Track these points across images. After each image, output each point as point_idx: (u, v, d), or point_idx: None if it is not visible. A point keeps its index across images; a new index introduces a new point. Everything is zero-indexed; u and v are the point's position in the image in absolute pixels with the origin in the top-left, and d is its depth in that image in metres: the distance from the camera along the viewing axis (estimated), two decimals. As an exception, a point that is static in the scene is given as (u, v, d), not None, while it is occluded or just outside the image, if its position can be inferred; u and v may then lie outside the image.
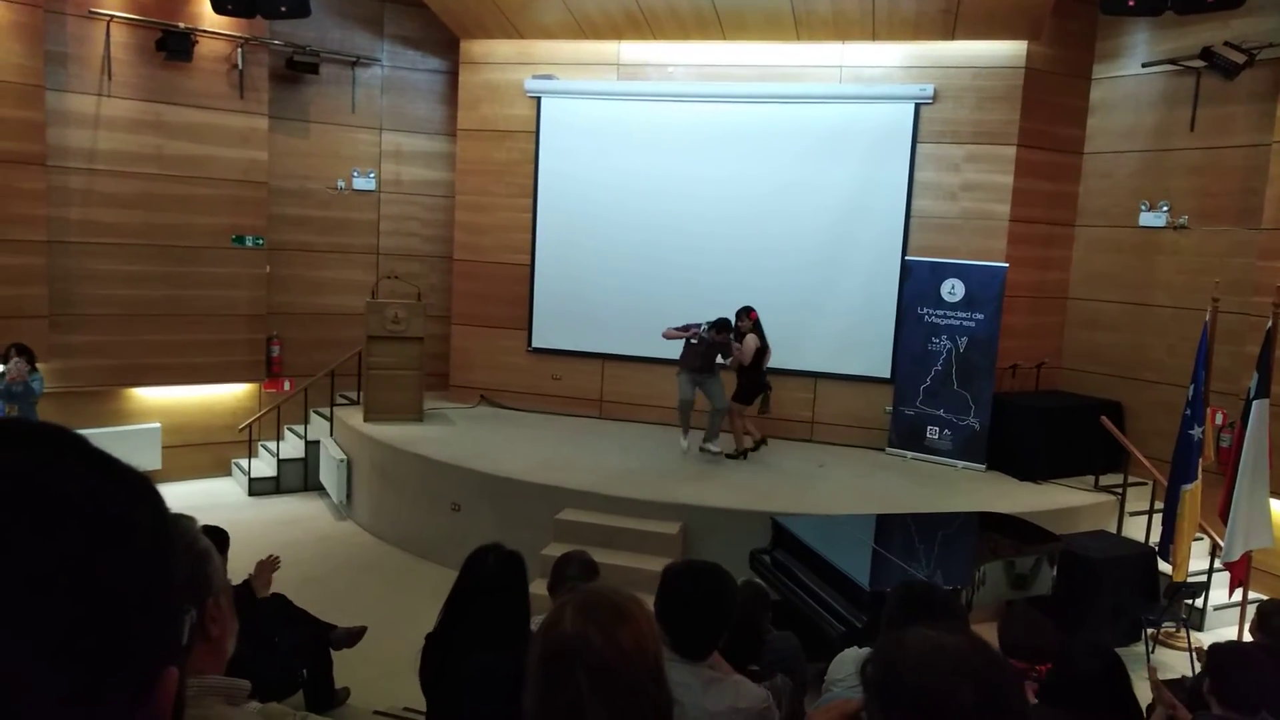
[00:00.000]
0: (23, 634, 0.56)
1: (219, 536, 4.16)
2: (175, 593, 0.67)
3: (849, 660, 2.65)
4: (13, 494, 0.59)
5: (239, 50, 9.28)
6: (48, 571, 0.58)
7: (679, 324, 8.06)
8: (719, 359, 8.11)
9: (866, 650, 2.52)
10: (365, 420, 8.90)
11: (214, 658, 1.30)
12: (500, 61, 9.83)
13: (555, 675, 1.33)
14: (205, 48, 9.16)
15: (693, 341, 8.00)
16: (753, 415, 8.47)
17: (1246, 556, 6.25)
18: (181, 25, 8.95)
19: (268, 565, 4.72)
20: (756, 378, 8.24)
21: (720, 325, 7.94)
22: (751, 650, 3.66)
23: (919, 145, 8.84)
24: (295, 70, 9.67)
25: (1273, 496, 6.32)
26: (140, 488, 0.66)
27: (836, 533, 5.96)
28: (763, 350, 8.20)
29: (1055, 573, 5.66)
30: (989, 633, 3.70)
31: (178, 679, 0.66)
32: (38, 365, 7.70)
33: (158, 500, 0.67)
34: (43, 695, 0.57)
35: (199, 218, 9.31)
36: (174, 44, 8.87)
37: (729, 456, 8.29)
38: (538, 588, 3.96)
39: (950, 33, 8.47)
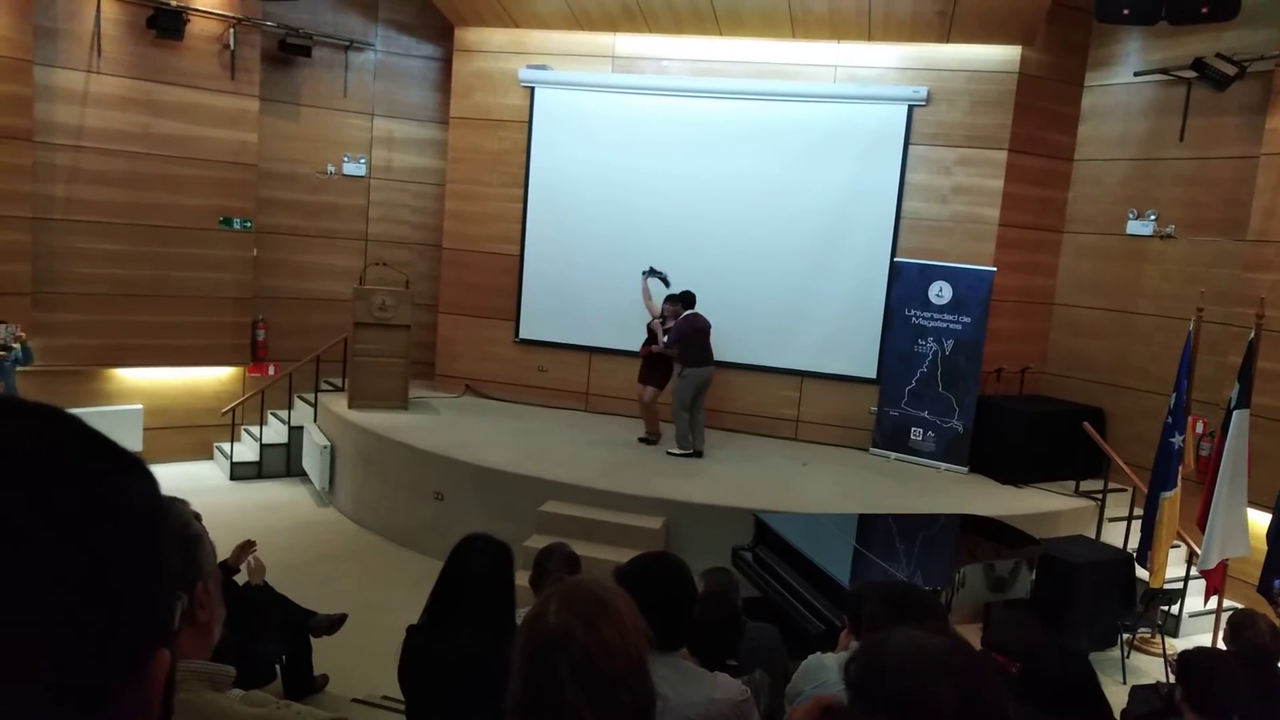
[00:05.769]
0: (13, 611, 0.56)
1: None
2: (167, 575, 0.67)
3: (813, 670, 2.56)
4: (4, 471, 0.59)
5: (231, 31, 9.20)
6: (40, 549, 0.57)
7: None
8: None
9: (832, 655, 2.50)
10: (350, 407, 8.87)
11: (201, 643, 1.30)
12: (494, 50, 9.79)
13: (538, 667, 1.33)
14: (197, 27, 9.07)
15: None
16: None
17: (1222, 565, 6.31)
18: (173, 3, 8.85)
19: (243, 549, 4.72)
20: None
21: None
22: (731, 642, 3.65)
23: (911, 147, 8.86)
24: (287, 53, 9.59)
25: (1250, 506, 6.38)
26: (133, 468, 0.66)
27: (819, 531, 5.98)
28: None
29: (1034, 576, 5.70)
30: (970, 634, 3.73)
31: (169, 661, 0.66)
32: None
33: (151, 481, 0.67)
34: (33, 672, 0.57)
35: (186, 198, 9.23)
36: (165, 22, 8.77)
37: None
38: (520, 579, 3.96)
39: (945, 35, 8.49)
